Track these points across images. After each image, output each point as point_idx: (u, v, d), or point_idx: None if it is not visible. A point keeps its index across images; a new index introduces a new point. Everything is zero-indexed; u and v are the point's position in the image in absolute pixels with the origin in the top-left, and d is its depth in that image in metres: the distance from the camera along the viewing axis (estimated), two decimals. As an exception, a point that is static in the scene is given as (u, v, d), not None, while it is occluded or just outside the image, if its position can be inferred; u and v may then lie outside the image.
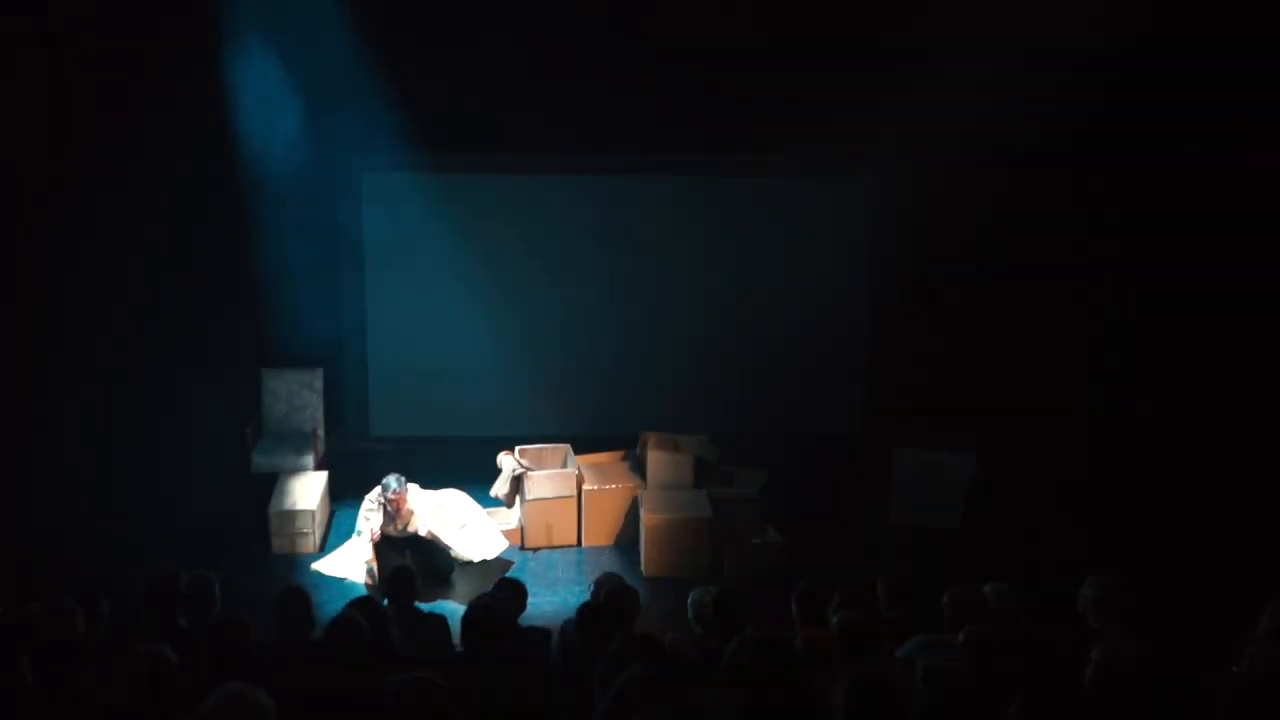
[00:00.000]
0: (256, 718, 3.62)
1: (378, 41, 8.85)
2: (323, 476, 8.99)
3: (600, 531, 8.72)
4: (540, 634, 5.87)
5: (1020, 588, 5.69)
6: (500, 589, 6.13)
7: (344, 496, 9.10)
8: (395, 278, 10.10)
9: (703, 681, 4.46)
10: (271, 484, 8.79)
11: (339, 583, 8.00)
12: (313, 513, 8.44)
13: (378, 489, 7.91)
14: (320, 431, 9.56)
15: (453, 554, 8.02)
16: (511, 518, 8.75)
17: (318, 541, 8.49)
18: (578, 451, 9.09)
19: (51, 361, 8.80)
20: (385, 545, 7.86)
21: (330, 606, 6.76)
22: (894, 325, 10.02)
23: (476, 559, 8.03)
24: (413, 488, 7.95)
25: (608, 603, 5.61)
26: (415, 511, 7.91)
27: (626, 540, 8.66)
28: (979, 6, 8.29)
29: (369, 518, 7.94)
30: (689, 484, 8.76)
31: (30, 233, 8.68)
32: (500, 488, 8.88)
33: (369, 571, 7.89)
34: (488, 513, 8.43)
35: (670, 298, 10.26)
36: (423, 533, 7.91)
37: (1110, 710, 4.48)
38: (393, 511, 7.85)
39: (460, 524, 8.07)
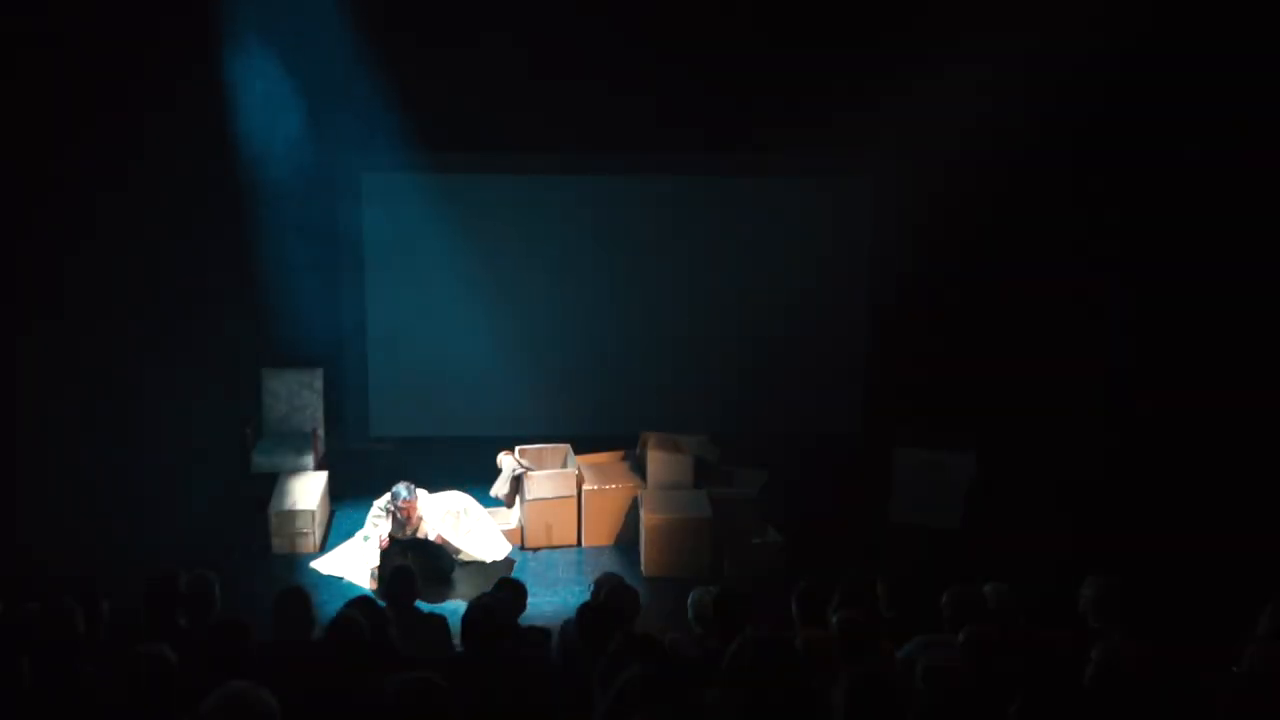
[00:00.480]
0: (259, 717, 3.62)
1: (378, 41, 8.85)
2: (323, 476, 8.99)
3: (600, 531, 8.72)
4: (540, 634, 5.87)
5: (1020, 588, 5.69)
6: (500, 589, 6.13)
7: (344, 496, 9.11)
8: (395, 278, 10.10)
9: (703, 681, 4.46)
10: (271, 484, 8.80)
11: (339, 583, 8.00)
12: (313, 513, 8.44)
13: (387, 496, 7.90)
14: (320, 431, 9.56)
15: (462, 556, 8.02)
16: (511, 518, 8.75)
17: (318, 541, 8.48)
18: (578, 451, 9.09)
19: (51, 361, 8.80)
20: (392, 549, 7.85)
21: (330, 606, 6.75)
22: (894, 325, 10.02)
23: (488, 560, 8.03)
24: (420, 493, 7.94)
25: (608, 603, 5.61)
26: (424, 517, 7.91)
27: (626, 540, 8.66)
28: (979, 6, 8.29)
29: (377, 524, 7.92)
30: (689, 484, 8.76)
31: (30, 232, 8.68)
32: (500, 488, 8.88)
33: (374, 576, 7.87)
34: (488, 513, 8.44)
35: (670, 298, 10.27)
36: (432, 536, 7.90)
37: (1110, 710, 4.49)
38: (403, 519, 7.85)
39: (467, 529, 8.08)
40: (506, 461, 8.87)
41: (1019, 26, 8.22)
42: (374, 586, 7.80)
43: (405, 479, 8.04)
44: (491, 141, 9.41)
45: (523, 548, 8.61)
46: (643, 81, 8.80)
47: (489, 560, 8.04)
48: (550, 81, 8.80)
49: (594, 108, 8.95)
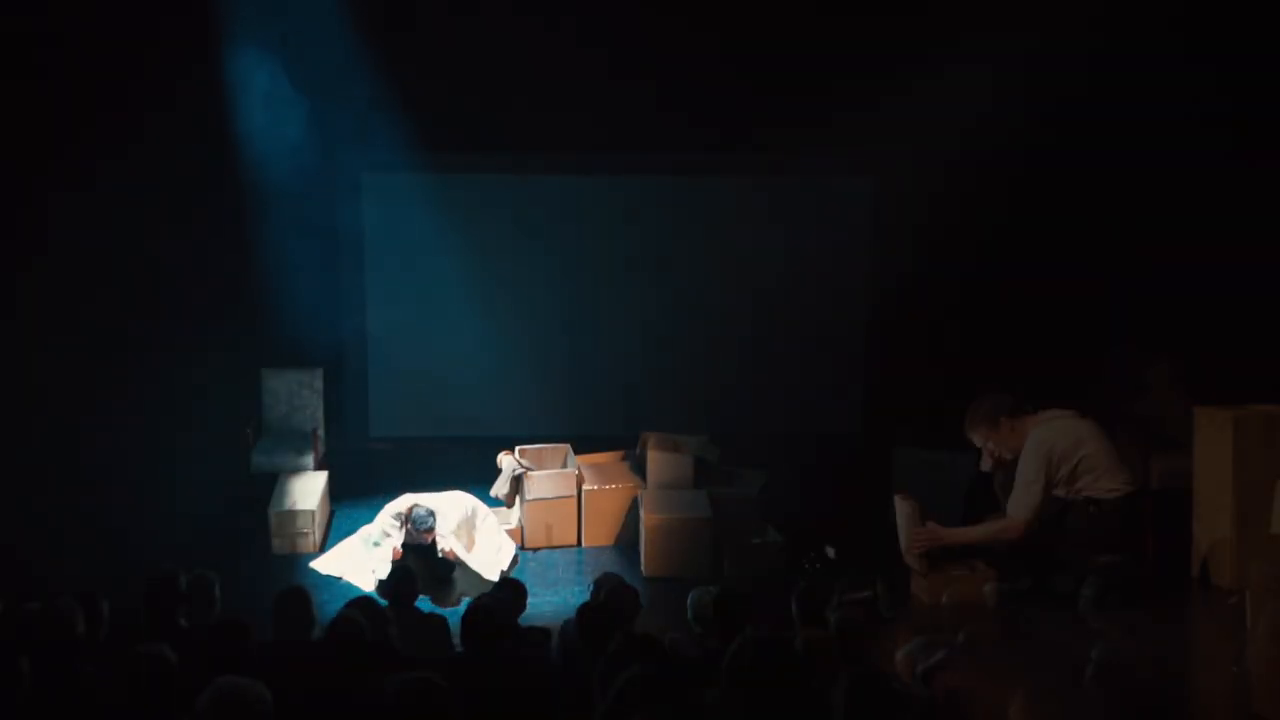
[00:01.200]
0: (253, 710, 3.62)
1: (378, 41, 8.86)
2: (323, 476, 8.98)
3: (600, 531, 8.71)
4: (540, 634, 5.87)
5: (1017, 587, 5.70)
6: (500, 589, 6.14)
7: (344, 496, 9.09)
8: (395, 278, 10.11)
9: (703, 681, 4.46)
10: (271, 484, 8.79)
11: (339, 583, 7.98)
12: (313, 513, 8.43)
13: (401, 505, 7.79)
14: (320, 431, 9.56)
15: (472, 570, 7.98)
16: (511, 518, 8.75)
17: (317, 541, 8.46)
18: (578, 451, 9.08)
19: (51, 361, 8.81)
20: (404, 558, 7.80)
21: (330, 606, 6.73)
22: (894, 325, 10.01)
23: (495, 578, 7.94)
24: (427, 497, 7.89)
25: (608, 603, 5.61)
26: (439, 533, 7.87)
27: (626, 540, 8.64)
28: (979, 6, 8.30)
29: (390, 533, 7.84)
30: (689, 484, 8.74)
31: (30, 232, 8.69)
32: (500, 488, 8.88)
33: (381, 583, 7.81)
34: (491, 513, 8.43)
35: (670, 298, 10.25)
36: (444, 550, 7.84)
37: (1110, 710, 4.49)
38: (419, 539, 7.78)
39: (475, 541, 8.03)
40: (506, 461, 8.87)
41: (1019, 26, 8.24)
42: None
43: (405, 479, 7.98)
44: (491, 141, 9.42)
45: (523, 548, 8.60)
46: (643, 81, 8.81)
47: (496, 578, 7.93)
48: (550, 81, 8.80)
49: (594, 107, 8.96)
